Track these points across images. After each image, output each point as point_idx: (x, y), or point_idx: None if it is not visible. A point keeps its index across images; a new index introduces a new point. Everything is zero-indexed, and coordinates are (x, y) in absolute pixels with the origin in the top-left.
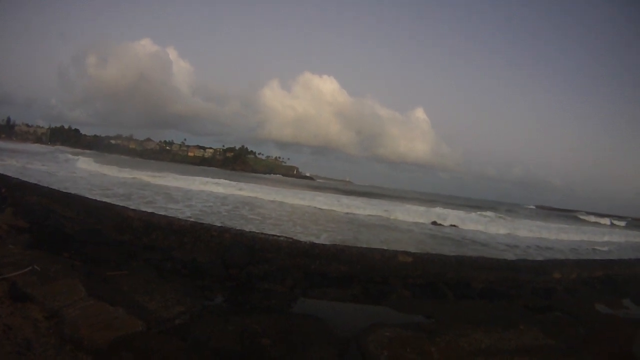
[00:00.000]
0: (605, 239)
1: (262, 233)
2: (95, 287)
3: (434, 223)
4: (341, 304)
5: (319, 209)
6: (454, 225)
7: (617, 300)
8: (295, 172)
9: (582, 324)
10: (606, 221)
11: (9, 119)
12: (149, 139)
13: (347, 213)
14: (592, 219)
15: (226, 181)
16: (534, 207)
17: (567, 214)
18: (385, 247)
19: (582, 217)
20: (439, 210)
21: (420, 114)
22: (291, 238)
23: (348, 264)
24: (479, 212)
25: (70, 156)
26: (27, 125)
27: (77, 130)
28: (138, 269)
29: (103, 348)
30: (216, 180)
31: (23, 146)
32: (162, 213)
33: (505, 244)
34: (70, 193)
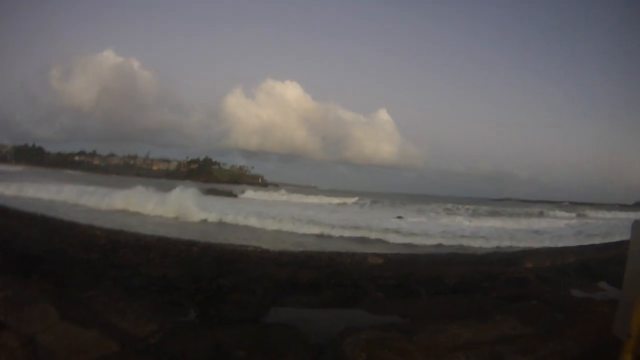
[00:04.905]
0: None
1: (229, 244)
2: (67, 309)
3: None
4: (313, 310)
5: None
6: None
7: (592, 283)
8: (259, 180)
9: (559, 309)
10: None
11: None
12: (112, 154)
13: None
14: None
15: None
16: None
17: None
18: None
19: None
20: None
21: (384, 115)
22: (259, 247)
23: (318, 270)
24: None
25: None
26: None
27: (40, 149)
28: (108, 288)
29: None
30: None
31: None
32: None
33: None
34: (36, 214)
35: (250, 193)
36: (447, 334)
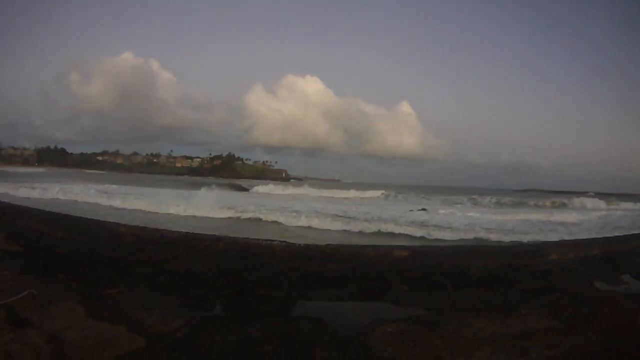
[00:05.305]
0: None
1: (254, 239)
2: (93, 306)
3: None
4: (340, 304)
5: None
6: None
7: (617, 276)
8: (283, 174)
9: (583, 302)
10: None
11: None
12: (135, 153)
13: None
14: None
15: None
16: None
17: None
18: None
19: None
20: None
21: (405, 107)
22: (285, 241)
23: (343, 263)
24: None
25: None
26: (13, 148)
27: (63, 150)
28: (134, 285)
29: None
30: None
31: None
32: None
33: None
34: (60, 214)
35: (271, 187)
36: (472, 327)
